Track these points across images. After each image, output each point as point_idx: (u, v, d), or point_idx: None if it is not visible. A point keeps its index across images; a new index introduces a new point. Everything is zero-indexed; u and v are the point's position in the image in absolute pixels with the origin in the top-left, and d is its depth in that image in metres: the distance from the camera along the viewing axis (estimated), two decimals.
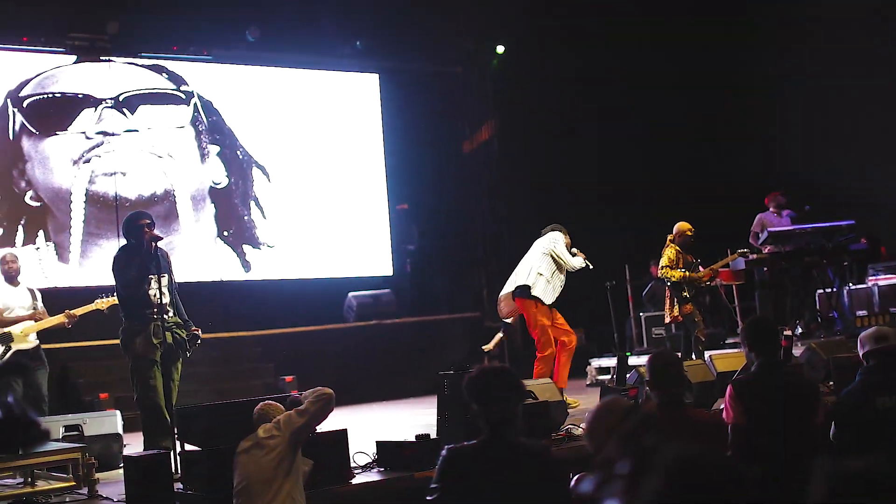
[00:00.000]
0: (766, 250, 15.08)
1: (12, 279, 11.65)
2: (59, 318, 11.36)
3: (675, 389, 6.04)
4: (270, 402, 7.29)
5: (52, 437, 9.85)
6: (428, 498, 5.20)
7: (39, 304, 11.70)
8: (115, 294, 10.14)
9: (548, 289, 12.70)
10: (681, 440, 2.74)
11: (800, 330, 14.69)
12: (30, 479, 8.67)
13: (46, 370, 11.59)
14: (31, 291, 11.76)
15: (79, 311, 11.20)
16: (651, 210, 17.78)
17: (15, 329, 11.35)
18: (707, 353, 12.56)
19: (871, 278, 15.82)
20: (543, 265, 12.72)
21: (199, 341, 9.68)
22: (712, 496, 2.39)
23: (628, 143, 19.13)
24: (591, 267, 12.74)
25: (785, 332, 11.73)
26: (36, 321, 11.48)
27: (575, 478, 5.03)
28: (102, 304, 11.08)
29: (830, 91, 17.88)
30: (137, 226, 9.52)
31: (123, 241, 9.79)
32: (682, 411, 6.00)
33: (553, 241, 12.85)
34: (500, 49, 19.74)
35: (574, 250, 12.93)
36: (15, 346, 11.32)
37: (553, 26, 18.80)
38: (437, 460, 5.26)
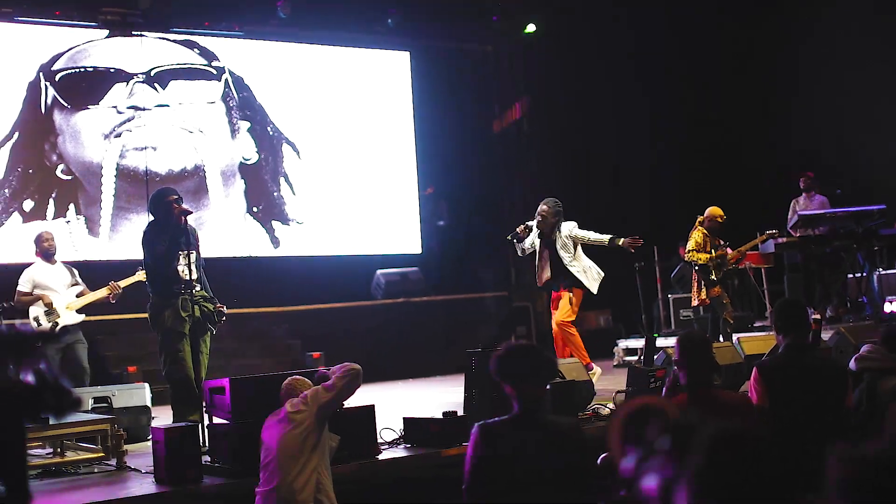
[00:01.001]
0: (797, 233, 15.03)
1: (49, 257, 11.73)
2: (105, 291, 11.42)
3: (704, 371, 6.02)
4: (298, 377, 7.32)
5: (82, 409, 9.93)
6: (465, 471, 5.21)
7: (79, 279, 11.78)
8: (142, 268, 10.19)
9: None
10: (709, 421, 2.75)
11: (829, 314, 14.63)
12: (59, 450, 8.74)
13: (85, 345, 11.70)
14: (69, 268, 11.86)
15: (123, 283, 11.25)
16: (681, 191, 17.74)
17: (59, 304, 11.44)
18: (735, 336, 12.54)
19: None
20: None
21: (223, 318, 9.70)
22: (752, 472, 2.39)
23: (659, 124, 19.05)
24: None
25: (814, 316, 11.72)
26: (78, 296, 11.58)
27: (601, 457, 5.03)
28: (143, 275, 11.14)
29: (866, 75, 17.76)
30: (165, 202, 9.53)
31: (151, 217, 9.80)
32: (710, 392, 5.98)
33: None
34: (532, 28, 19.66)
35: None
36: (62, 322, 11.40)
37: (584, 5, 18.72)
38: (464, 437, 5.27)
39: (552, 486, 5.00)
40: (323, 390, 6.93)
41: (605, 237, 12.30)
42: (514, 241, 12.35)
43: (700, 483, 2.39)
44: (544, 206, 12.27)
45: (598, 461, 4.98)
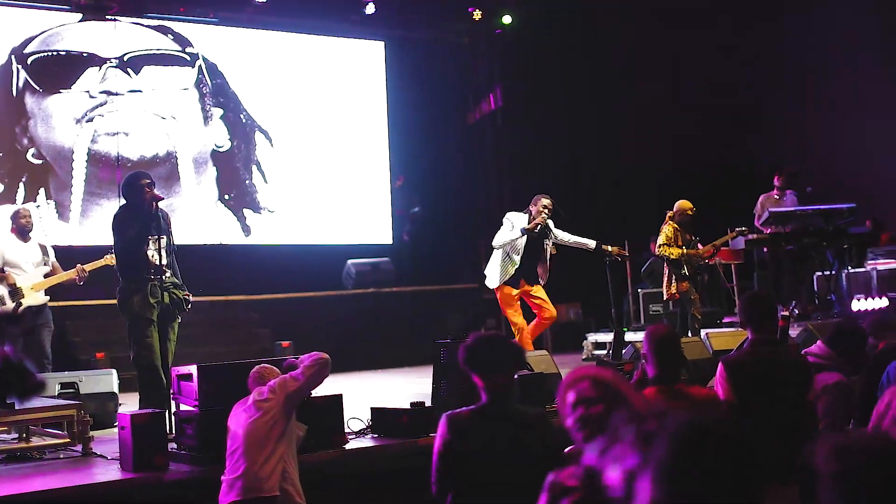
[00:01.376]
0: (767, 231, 15.08)
1: (25, 234, 11.66)
2: (71, 273, 11.40)
3: (673, 365, 6.04)
4: (266, 365, 7.31)
5: (48, 394, 9.89)
6: (433, 465, 5.22)
7: (52, 258, 11.74)
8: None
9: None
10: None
11: (797, 311, 14.69)
12: (24, 435, 8.72)
13: (51, 329, 11.64)
14: (43, 247, 11.79)
15: (89, 267, 11.24)
16: (652, 185, 17.78)
17: (24, 283, 11.37)
18: (703, 331, 12.58)
19: (870, 262, 15.80)
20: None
21: (189, 306, 9.66)
22: (718, 465, 2.40)
23: (632, 118, 19.10)
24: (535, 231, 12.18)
25: (782, 313, 11.76)
26: (46, 276, 11.53)
27: (567, 449, 5.04)
28: (111, 259, 11.11)
29: (838, 74, 17.84)
30: (138, 186, 9.51)
31: (123, 201, 9.77)
32: (678, 387, 6.00)
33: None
34: (507, 19, 19.65)
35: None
36: (26, 302, 11.34)
37: None
38: (432, 428, 5.29)
39: (519, 476, 5.01)
40: (291, 379, 6.93)
41: (591, 242, 12.42)
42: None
43: (666, 475, 2.39)
44: (549, 201, 12.23)
45: (564, 452, 4.99)
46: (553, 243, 12.31)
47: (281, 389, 6.85)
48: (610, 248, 12.25)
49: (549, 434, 5.28)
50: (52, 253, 11.80)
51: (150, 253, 9.31)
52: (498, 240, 12.22)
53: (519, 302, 12.28)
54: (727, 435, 2.50)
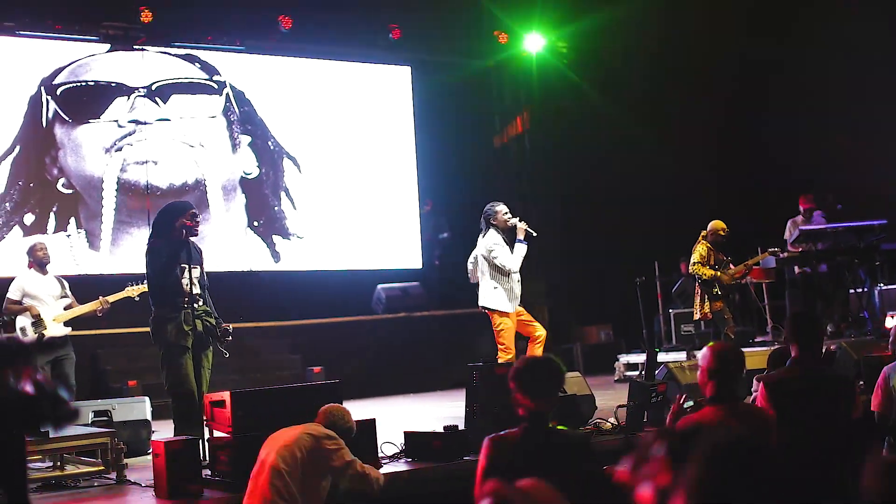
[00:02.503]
0: (798, 249, 15.02)
1: (42, 266, 11.69)
2: (93, 305, 11.44)
3: (738, 383, 5.94)
4: (337, 409, 7.23)
5: (82, 422, 9.92)
6: (477, 486, 5.21)
7: (68, 292, 11.76)
8: (145, 282, 10.16)
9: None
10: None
11: (830, 329, 14.60)
12: (59, 463, 8.71)
13: (73, 360, 11.61)
14: (60, 280, 11.81)
15: (112, 298, 11.29)
16: (682, 207, 17.72)
17: (47, 315, 11.40)
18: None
19: None
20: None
21: (229, 337, 9.66)
22: (750, 479, 2.36)
23: (661, 140, 19.04)
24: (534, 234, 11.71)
25: None
26: (66, 308, 11.56)
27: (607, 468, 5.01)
28: (133, 291, 11.18)
29: (867, 90, 17.77)
30: (190, 215, 9.56)
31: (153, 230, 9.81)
32: (742, 405, 5.92)
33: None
34: (534, 44, 19.64)
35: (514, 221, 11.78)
36: (48, 333, 11.37)
37: (587, 21, 18.74)
38: (465, 451, 5.28)
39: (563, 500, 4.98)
40: (340, 463, 6.83)
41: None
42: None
43: (699, 492, 2.36)
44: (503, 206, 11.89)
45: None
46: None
47: (326, 458, 6.78)
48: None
49: (591, 457, 5.27)
50: (67, 286, 11.83)
51: (183, 281, 9.32)
52: (514, 262, 11.53)
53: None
54: (761, 451, 2.47)
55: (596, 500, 5.00)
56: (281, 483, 6.66)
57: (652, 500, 2.53)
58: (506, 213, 11.76)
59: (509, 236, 11.61)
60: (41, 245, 11.95)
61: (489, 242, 11.54)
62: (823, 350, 8.47)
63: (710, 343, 6.70)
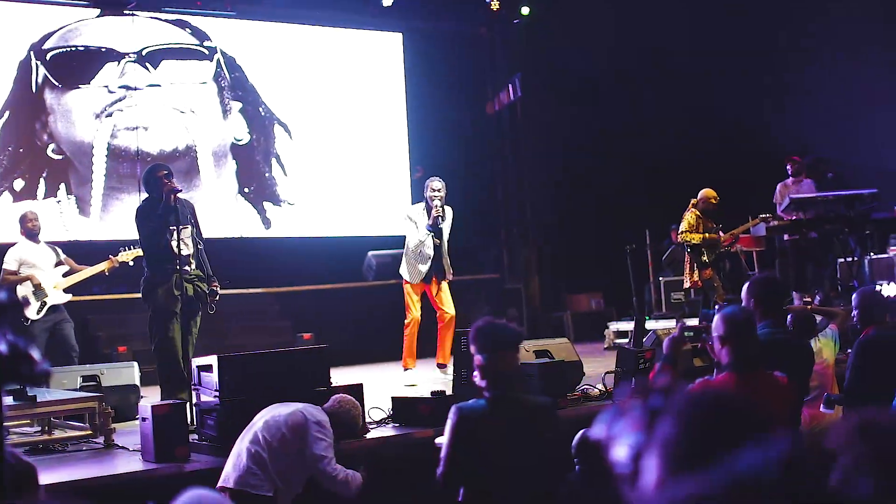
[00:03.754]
0: (788, 217, 15.02)
1: (34, 236, 11.72)
2: (102, 266, 11.45)
3: (754, 350, 5.77)
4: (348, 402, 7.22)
5: (70, 387, 9.96)
6: (441, 456, 5.23)
7: (63, 258, 11.78)
8: (139, 246, 10.21)
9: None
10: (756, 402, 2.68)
11: (819, 298, 14.63)
12: (47, 428, 8.74)
13: (71, 323, 11.72)
14: (53, 248, 11.86)
15: (121, 258, 11.28)
16: (673, 175, 17.70)
17: (47, 283, 11.43)
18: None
19: (892, 248, 15.74)
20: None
21: (217, 297, 9.71)
22: (733, 440, 2.35)
23: (652, 107, 19.02)
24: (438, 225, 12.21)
25: (804, 300, 11.74)
26: (65, 275, 11.59)
27: (580, 433, 5.02)
28: (128, 255, 11.18)
29: (858, 58, 17.75)
30: (156, 178, 9.59)
31: (145, 195, 9.83)
32: (759, 373, 5.75)
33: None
34: (526, 10, 19.61)
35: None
36: (50, 301, 11.41)
37: None
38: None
39: (530, 465, 5.01)
40: (322, 469, 6.81)
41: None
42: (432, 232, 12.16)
43: (675, 452, 2.36)
44: (439, 184, 12.33)
45: (576, 437, 4.98)
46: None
47: (308, 445, 6.78)
48: None
49: (556, 425, 5.28)
50: (61, 253, 11.85)
51: (173, 244, 9.34)
52: (409, 243, 12.38)
53: (420, 296, 12.52)
54: (743, 411, 2.46)
55: (563, 464, 5.02)
56: (256, 451, 6.70)
57: (626, 460, 2.53)
58: (434, 189, 12.20)
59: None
60: (31, 215, 11.97)
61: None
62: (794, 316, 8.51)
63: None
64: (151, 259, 9.57)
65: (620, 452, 2.56)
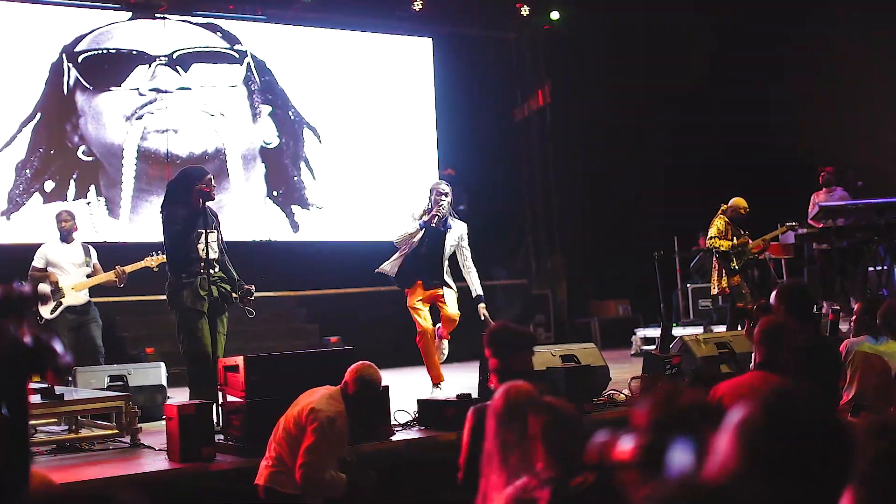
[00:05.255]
0: (818, 226, 14.97)
1: (67, 236, 11.78)
2: (109, 275, 11.53)
3: (775, 356, 5.79)
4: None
5: (97, 387, 10.00)
6: (461, 459, 5.24)
7: (94, 259, 11.85)
8: (164, 252, 10.22)
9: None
10: None
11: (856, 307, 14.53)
12: (73, 426, 8.77)
13: (99, 324, 11.75)
14: (86, 248, 11.90)
15: (129, 268, 11.36)
16: (702, 182, 17.65)
17: (66, 283, 11.48)
18: None
19: None
20: None
21: (251, 297, 9.70)
22: (806, 432, 2.35)
23: (681, 114, 18.96)
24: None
25: (833, 307, 11.68)
26: (89, 277, 11.65)
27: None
28: (152, 261, 11.24)
29: (891, 66, 17.67)
30: (194, 184, 9.56)
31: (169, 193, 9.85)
32: (778, 377, 5.75)
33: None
34: (556, 15, 19.60)
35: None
36: (66, 302, 11.46)
37: None
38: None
39: None
40: (303, 451, 6.73)
41: (476, 287, 11.81)
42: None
43: (751, 439, 2.36)
44: (448, 188, 11.62)
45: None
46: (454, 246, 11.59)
47: (302, 439, 6.72)
48: (480, 307, 11.72)
49: (579, 425, 5.26)
50: (94, 254, 11.90)
51: (199, 247, 9.36)
52: (396, 234, 11.66)
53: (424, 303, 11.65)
54: (814, 407, 2.46)
55: (582, 468, 5.01)
56: (276, 447, 6.72)
57: (634, 452, 2.54)
58: (442, 192, 11.53)
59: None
60: (67, 215, 12.03)
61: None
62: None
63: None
64: (178, 262, 9.55)
65: (625, 448, 2.57)
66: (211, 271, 9.45)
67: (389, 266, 11.73)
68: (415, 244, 11.48)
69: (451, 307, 11.54)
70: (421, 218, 11.37)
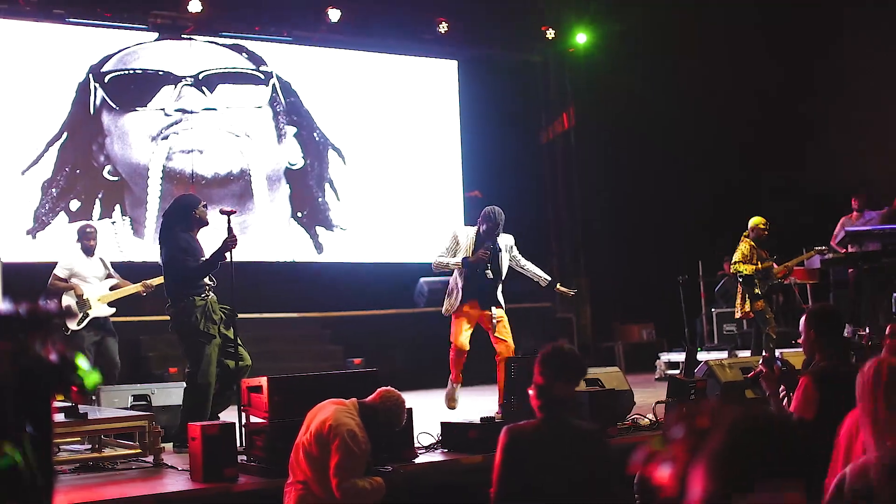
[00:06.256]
0: (842, 250, 14.90)
1: (90, 252, 11.86)
2: (137, 287, 11.60)
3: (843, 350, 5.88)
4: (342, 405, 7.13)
5: (121, 406, 10.03)
6: (494, 479, 5.23)
7: (112, 272, 11.93)
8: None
9: None
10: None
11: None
12: (97, 445, 8.78)
13: (116, 339, 11.83)
14: (103, 261, 11.99)
15: (154, 282, 11.42)
16: (727, 205, 17.61)
17: (92, 295, 11.54)
18: (778, 352, 12.43)
19: None
20: None
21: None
22: (774, 454, 2.34)
23: (706, 139, 18.92)
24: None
25: (859, 333, 11.62)
26: (111, 289, 11.71)
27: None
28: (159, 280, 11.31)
29: None
30: (194, 210, 9.80)
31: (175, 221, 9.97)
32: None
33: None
34: (581, 38, 19.61)
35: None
36: (92, 313, 11.52)
37: (635, 17, 18.64)
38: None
39: (578, 490, 5.00)
40: (333, 472, 6.66)
41: (543, 276, 11.74)
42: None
43: (719, 466, 2.35)
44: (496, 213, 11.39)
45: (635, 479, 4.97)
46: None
47: (328, 457, 6.66)
48: (558, 286, 11.85)
49: (606, 451, 5.27)
50: (110, 266, 12.01)
51: None
52: (436, 258, 11.59)
53: (470, 325, 11.63)
54: (783, 426, 2.45)
55: (611, 490, 5.01)
56: (308, 466, 6.69)
57: (672, 481, 2.51)
58: (498, 223, 11.39)
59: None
60: (93, 230, 12.15)
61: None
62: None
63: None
64: (184, 284, 9.64)
65: (665, 475, 2.55)
66: (213, 294, 9.64)
67: (450, 303, 11.66)
68: (469, 279, 11.28)
69: (506, 333, 11.46)
70: (468, 258, 11.20)
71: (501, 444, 5.18)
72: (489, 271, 11.23)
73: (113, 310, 11.77)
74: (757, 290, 12.89)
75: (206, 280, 9.59)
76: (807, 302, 16.30)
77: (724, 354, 14.70)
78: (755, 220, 13.10)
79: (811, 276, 15.79)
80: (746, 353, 13.88)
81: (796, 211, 17.00)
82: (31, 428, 3.43)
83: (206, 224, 9.81)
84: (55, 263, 12.00)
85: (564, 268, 20.10)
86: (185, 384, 9.83)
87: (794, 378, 6.33)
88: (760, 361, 6.62)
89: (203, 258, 9.67)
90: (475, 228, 11.44)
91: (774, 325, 13.03)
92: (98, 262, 11.94)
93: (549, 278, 11.76)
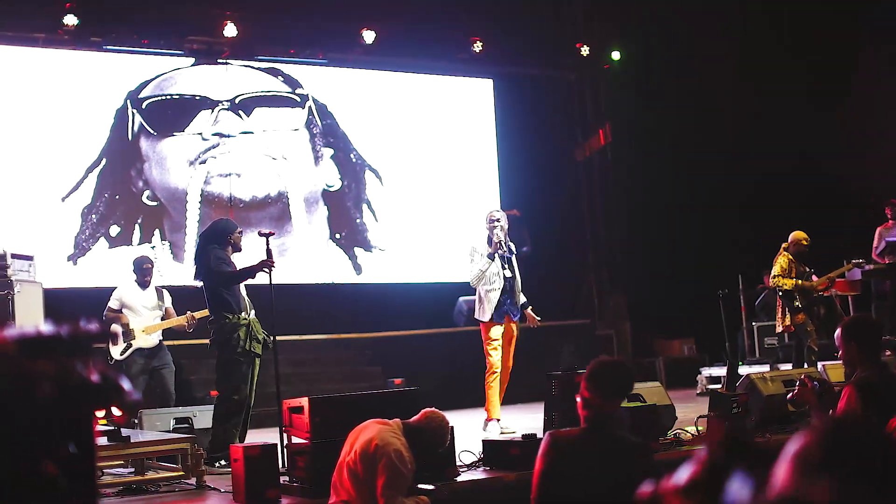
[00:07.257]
0: (884, 260, 14.80)
1: (144, 286, 11.95)
2: (181, 320, 11.67)
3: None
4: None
5: (163, 429, 10.07)
6: (534, 484, 5.21)
7: (167, 303, 12.03)
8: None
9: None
10: None
11: None
12: (140, 469, 8.81)
13: (172, 369, 11.91)
14: (160, 292, 12.10)
15: (198, 314, 11.45)
16: (766, 220, 17.54)
17: (137, 326, 11.60)
18: (820, 364, 12.36)
19: None
20: None
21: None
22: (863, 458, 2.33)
23: (744, 153, 18.87)
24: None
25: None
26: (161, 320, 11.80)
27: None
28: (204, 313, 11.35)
29: None
30: (232, 235, 9.93)
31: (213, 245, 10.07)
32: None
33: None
34: (616, 55, 19.61)
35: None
36: (136, 344, 11.57)
37: (669, 33, 18.63)
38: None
39: (618, 501, 4.98)
40: (381, 492, 6.66)
41: (522, 296, 11.80)
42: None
43: (807, 466, 2.33)
44: (499, 213, 11.63)
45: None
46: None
47: (375, 476, 6.64)
48: (531, 314, 11.84)
49: (650, 464, 5.23)
50: (168, 298, 12.10)
51: (242, 292, 9.70)
52: (470, 275, 11.52)
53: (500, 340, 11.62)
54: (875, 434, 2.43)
55: None
56: (352, 486, 6.67)
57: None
58: (494, 219, 11.57)
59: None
60: (150, 263, 12.24)
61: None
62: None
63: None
64: (229, 302, 9.75)
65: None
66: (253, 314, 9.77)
67: (482, 310, 11.63)
68: (496, 280, 11.41)
69: (508, 355, 11.78)
70: (487, 252, 11.28)
71: (543, 450, 5.15)
72: (507, 269, 11.49)
73: (156, 341, 11.82)
74: (797, 303, 12.81)
75: (246, 299, 9.68)
76: (849, 314, 16.21)
77: (765, 368, 14.61)
78: (797, 235, 13.03)
79: (852, 287, 15.70)
80: (788, 366, 13.79)
81: (835, 222, 16.89)
82: (74, 448, 3.44)
83: (240, 250, 9.94)
84: (95, 289, 12.11)
85: (603, 283, 20.06)
86: (217, 400, 9.91)
87: (833, 393, 6.29)
88: (797, 383, 6.58)
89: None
90: (486, 234, 11.54)
91: (816, 338, 12.94)
92: (152, 291, 12.00)
93: (525, 300, 11.63)
